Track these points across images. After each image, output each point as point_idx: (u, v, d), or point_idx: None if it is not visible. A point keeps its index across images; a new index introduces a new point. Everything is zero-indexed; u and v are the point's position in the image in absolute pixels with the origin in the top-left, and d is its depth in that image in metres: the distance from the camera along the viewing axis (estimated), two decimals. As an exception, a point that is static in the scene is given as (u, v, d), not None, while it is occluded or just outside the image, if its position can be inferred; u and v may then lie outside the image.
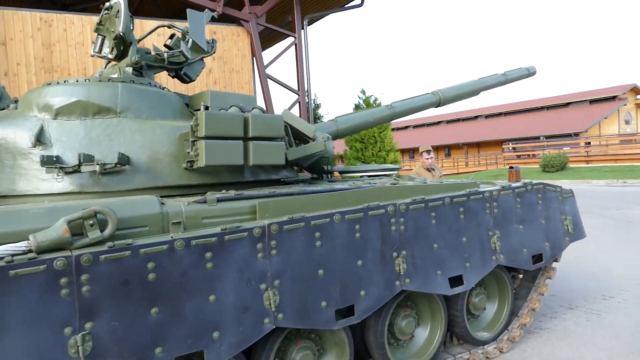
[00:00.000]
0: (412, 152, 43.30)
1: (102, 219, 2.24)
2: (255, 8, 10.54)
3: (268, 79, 10.59)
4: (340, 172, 4.55)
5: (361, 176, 4.41)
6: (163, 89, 3.34)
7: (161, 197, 2.75)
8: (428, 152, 6.75)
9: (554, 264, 4.29)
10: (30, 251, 2.06)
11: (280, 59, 16.28)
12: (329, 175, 4.15)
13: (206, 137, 2.65)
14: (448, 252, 3.34)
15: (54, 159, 2.69)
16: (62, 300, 2.07)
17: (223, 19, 10.47)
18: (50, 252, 2.09)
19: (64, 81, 2.95)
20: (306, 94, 11.36)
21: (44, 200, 2.72)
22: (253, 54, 10.53)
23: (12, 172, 2.76)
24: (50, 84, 2.97)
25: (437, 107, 6.03)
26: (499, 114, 42.99)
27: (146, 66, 3.27)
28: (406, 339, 3.54)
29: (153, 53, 3.33)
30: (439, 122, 47.83)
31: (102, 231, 2.21)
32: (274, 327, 2.61)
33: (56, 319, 2.06)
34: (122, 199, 2.50)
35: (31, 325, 2.01)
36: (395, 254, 3.09)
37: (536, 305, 4.17)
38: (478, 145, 39.92)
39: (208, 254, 2.43)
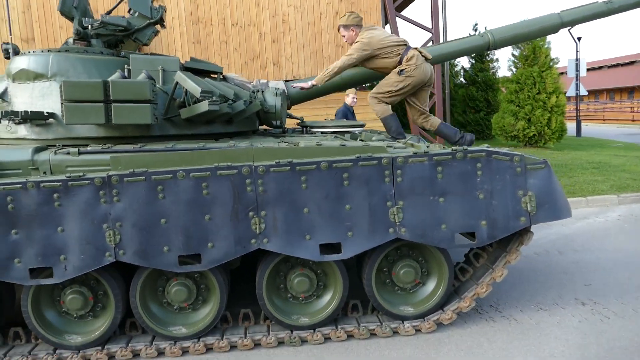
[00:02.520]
0: (612, 92, 35.10)
1: (-20, 162, 3.07)
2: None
3: (398, 18, 10.19)
4: (307, 126, 4.55)
5: (324, 132, 4.35)
6: (117, 55, 3.95)
7: (78, 146, 3.46)
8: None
9: (521, 247, 3.62)
10: None
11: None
12: (283, 129, 4.26)
13: (66, 101, 3.20)
14: (323, 218, 3.25)
15: (8, 112, 3.61)
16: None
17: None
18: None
19: (28, 52, 3.83)
20: (441, 31, 10.54)
21: (7, 144, 3.71)
22: (383, -7, 10.23)
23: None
24: (22, 54, 3.89)
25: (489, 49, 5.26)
26: None
27: (95, 35, 3.92)
28: (301, 297, 3.63)
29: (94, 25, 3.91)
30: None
31: (-22, 171, 3.05)
32: (114, 260, 3.14)
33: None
34: (7, 148, 3.30)
35: None
36: (251, 214, 3.21)
37: (482, 291, 3.63)
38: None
39: (55, 195, 3.05)
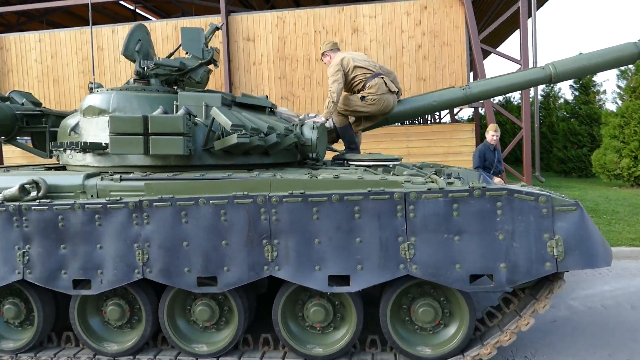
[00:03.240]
0: None
1: (42, 184, 3.59)
2: (472, -25, 9.94)
3: (483, 50, 9.93)
4: (345, 159, 4.61)
5: (360, 165, 4.38)
6: (173, 92, 4.39)
7: (128, 173, 3.90)
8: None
9: (551, 295, 3.33)
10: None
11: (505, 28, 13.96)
12: (316, 162, 4.40)
13: (112, 133, 3.62)
14: (333, 250, 3.30)
15: (72, 143, 4.14)
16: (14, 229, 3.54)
17: (437, -7, 10.35)
18: (9, 202, 3.57)
19: (97, 91, 4.39)
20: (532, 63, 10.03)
21: (76, 170, 4.26)
22: (467, 25, 10.05)
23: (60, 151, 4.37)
24: (92, 93, 4.46)
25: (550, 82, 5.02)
26: None
27: (154, 75, 4.39)
28: (318, 327, 3.66)
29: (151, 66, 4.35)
30: None
31: (38, 193, 3.57)
32: (142, 277, 3.45)
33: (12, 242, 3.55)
34: (62, 173, 3.80)
35: None
36: (265, 242, 3.35)
37: (505, 339, 3.37)
38: None
39: (97, 216, 3.47)
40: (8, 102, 4.84)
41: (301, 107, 10.88)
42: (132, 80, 4.39)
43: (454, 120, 17.04)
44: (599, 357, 3.69)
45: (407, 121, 10.85)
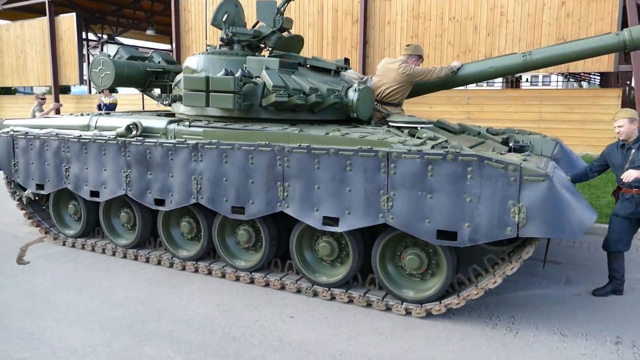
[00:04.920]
0: None
1: (139, 126, 4.87)
2: None
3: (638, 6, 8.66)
4: (387, 120, 4.94)
5: (393, 125, 4.71)
6: (251, 55, 5.26)
7: (208, 121, 4.99)
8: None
9: (520, 259, 3.45)
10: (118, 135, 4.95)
11: None
12: (365, 121, 4.89)
13: (185, 89, 4.64)
14: (328, 195, 3.91)
15: (168, 96, 5.31)
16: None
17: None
18: (120, 137, 4.91)
19: (193, 54, 5.47)
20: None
21: (178, 116, 5.49)
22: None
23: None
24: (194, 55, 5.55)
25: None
26: None
27: (236, 41, 5.28)
28: (326, 260, 4.35)
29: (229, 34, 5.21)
30: None
31: (136, 132, 4.86)
32: (196, 202, 4.52)
33: (120, 167, 4.93)
34: (154, 118, 5.00)
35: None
36: (279, 183, 4.12)
37: (474, 293, 3.60)
38: None
39: (169, 152, 4.61)
40: (147, 61, 6.30)
41: (429, 65, 10.94)
42: (217, 45, 5.39)
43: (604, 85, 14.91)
44: (577, 326, 3.66)
45: (541, 84, 10.17)
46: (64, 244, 5.70)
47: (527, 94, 11.20)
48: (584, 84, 31.43)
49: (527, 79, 40.86)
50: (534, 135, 5.69)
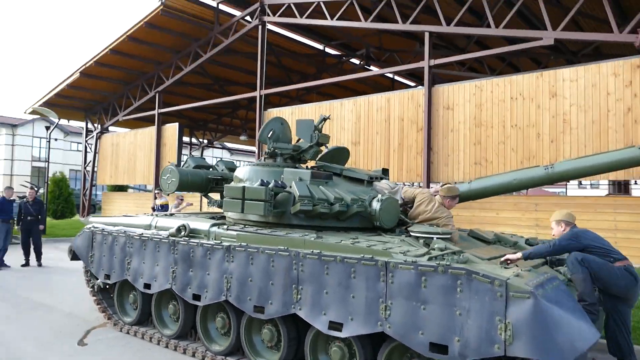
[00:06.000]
0: None
1: (187, 227, 5.53)
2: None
3: None
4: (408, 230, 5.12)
5: (412, 235, 4.89)
6: (292, 167, 5.88)
7: (245, 225, 5.56)
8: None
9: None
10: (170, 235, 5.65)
11: None
12: (387, 229, 5.14)
13: (226, 197, 5.26)
14: (335, 301, 4.14)
15: (217, 201, 6.02)
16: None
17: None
18: (172, 237, 5.60)
19: (241, 165, 6.19)
20: None
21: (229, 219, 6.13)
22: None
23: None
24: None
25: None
26: None
27: (279, 154, 5.94)
28: None
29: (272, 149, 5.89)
30: None
31: (185, 232, 5.51)
32: (225, 299, 4.94)
33: (168, 262, 5.57)
34: (202, 220, 5.63)
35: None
36: (294, 286, 4.44)
37: None
38: None
39: (208, 252, 5.17)
40: (211, 169, 7.19)
41: (494, 171, 10.99)
42: (263, 158, 6.10)
43: None
44: None
45: (566, 192, 9.76)
46: (120, 330, 6.31)
47: (600, 200, 10.71)
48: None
49: (635, 181, 37.92)
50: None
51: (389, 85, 21.35)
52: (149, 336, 5.98)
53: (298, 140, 6.34)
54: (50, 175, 21.95)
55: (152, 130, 19.24)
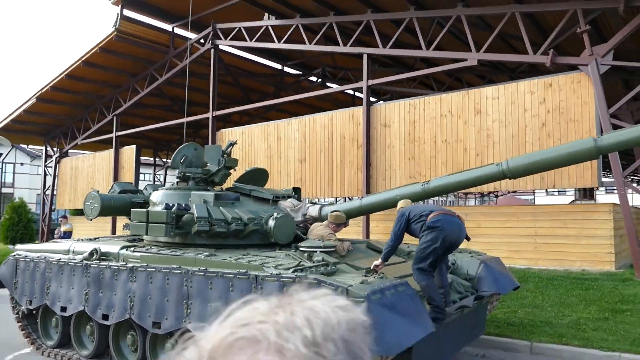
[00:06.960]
0: None
1: (98, 251, 5.85)
2: (598, 48, 9.23)
3: (614, 125, 8.96)
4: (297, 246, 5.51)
5: (303, 250, 5.29)
6: (204, 190, 6.26)
7: (153, 247, 5.89)
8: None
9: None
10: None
11: None
12: (282, 245, 5.53)
13: (132, 220, 5.61)
14: (218, 314, 4.49)
15: (128, 225, 6.36)
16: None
17: (561, 69, 9.92)
18: (85, 261, 5.90)
19: (158, 189, 6.54)
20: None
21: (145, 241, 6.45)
22: (596, 100, 9.26)
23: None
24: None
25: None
26: None
27: (191, 178, 6.32)
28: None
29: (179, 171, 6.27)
30: None
31: (97, 257, 5.82)
32: (129, 317, 5.25)
33: (82, 286, 5.86)
34: (112, 244, 5.95)
35: None
36: (184, 302, 4.79)
37: None
38: None
39: (115, 274, 5.48)
40: (139, 193, 7.51)
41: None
42: (175, 180, 6.47)
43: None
44: None
45: (534, 200, 10.38)
46: (42, 354, 6.55)
47: (522, 210, 11.31)
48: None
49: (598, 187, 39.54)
50: (463, 253, 6.01)
51: (350, 101, 21.92)
52: (68, 357, 6.23)
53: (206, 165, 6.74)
54: (17, 199, 21.89)
55: (110, 153, 19.42)
